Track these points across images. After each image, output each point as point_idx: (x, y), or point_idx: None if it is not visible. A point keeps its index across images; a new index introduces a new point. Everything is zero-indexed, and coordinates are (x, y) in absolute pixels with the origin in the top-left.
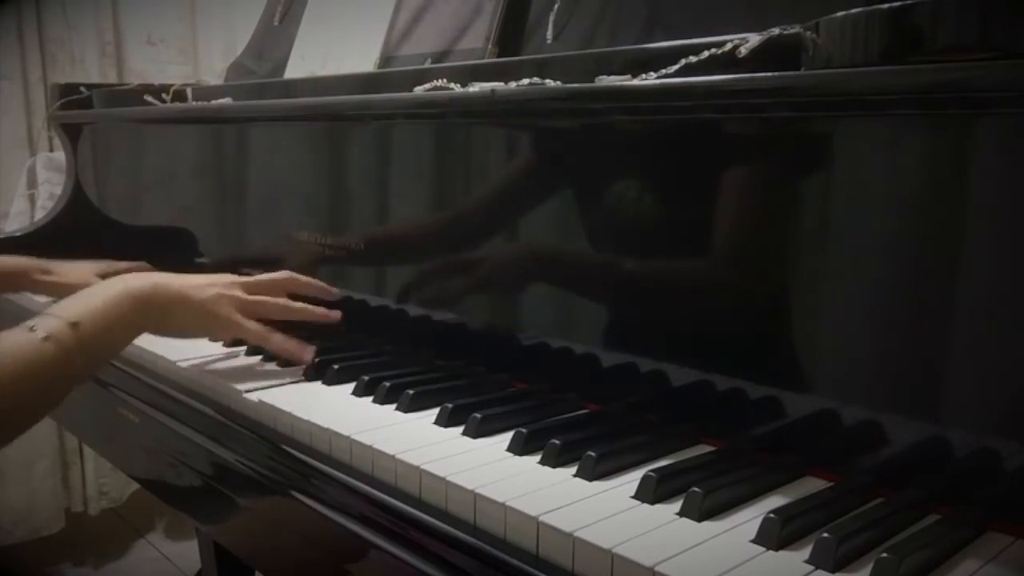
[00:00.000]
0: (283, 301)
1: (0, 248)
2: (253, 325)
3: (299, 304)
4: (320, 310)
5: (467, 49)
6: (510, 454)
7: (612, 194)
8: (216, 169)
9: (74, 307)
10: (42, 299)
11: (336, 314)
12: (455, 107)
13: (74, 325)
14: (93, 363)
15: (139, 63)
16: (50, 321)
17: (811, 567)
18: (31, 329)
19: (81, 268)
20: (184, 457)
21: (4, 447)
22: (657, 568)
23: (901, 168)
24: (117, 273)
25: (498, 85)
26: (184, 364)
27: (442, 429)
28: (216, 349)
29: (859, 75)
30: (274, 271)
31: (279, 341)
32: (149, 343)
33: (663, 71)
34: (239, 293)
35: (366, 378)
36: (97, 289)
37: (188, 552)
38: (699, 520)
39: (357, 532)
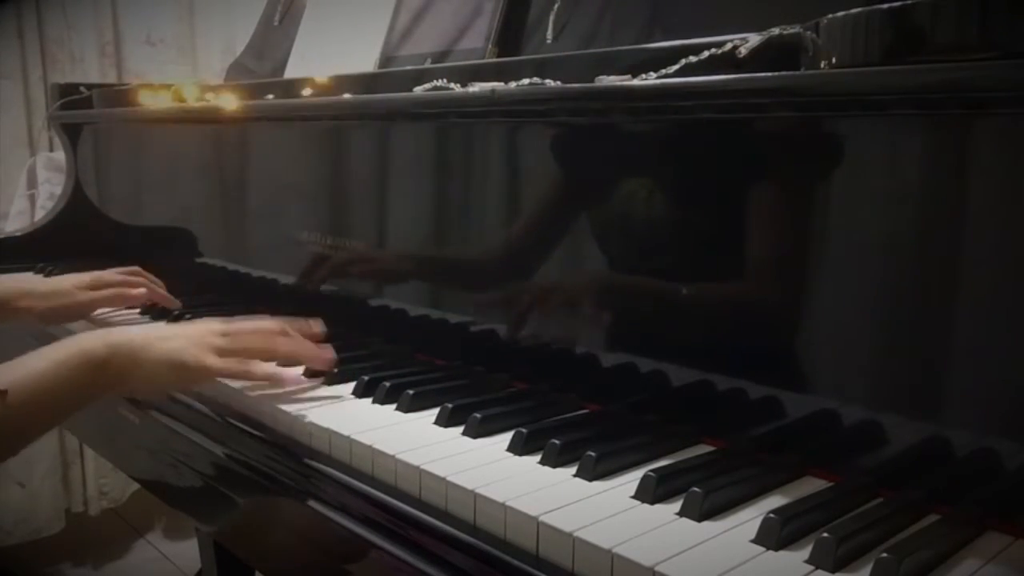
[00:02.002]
0: (268, 343)
1: (0, 248)
2: (227, 362)
3: (286, 346)
4: (312, 350)
5: (467, 49)
6: (510, 454)
7: (611, 194)
8: (216, 169)
9: (10, 372)
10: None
11: (330, 354)
12: (455, 107)
13: (2, 394)
14: (29, 430)
15: (139, 63)
16: None
17: (811, 567)
18: None
19: (65, 281)
20: (184, 457)
21: None
22: (657, 568)
23: (901, 168)
24: (105, 285)
25: (498, 85)
26: None
27: (442, 429)
28: None
29: (859, 75)
30: (277, 271)
31: (263, 371)
32: None
33: (663, 71)
34: (215, 340)
35: (366, 378)
36: (45, 351)
37: (188, 552)
38: (699, 520)
39: (357, 532)
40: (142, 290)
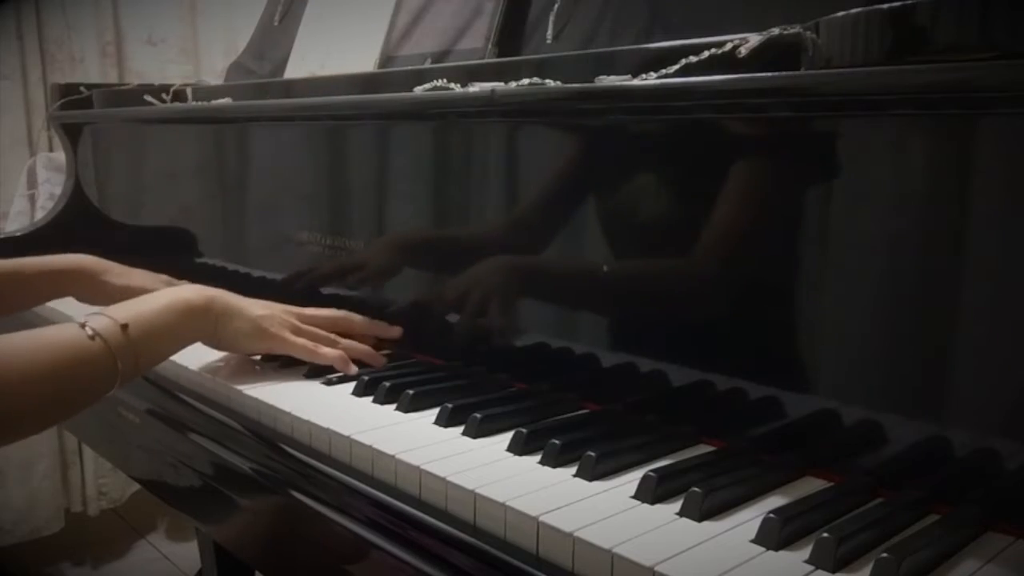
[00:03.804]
0: (332, 336)
1: (0, 248)
2: (301, 341)
3: (346, 341)
4: (367, 349)
5: (467, 49)
6: (510, 454)
7: (612, 194)
8: (216, 169)
9: (127, 310)
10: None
11: (382, 359)
12: (455, 107)
13: (124, 327)
14: (138, 367)
15: (139, 63)
16: (101, 320)
17: (811, 567)
18: (82, 325)
19: (137, 276)
20: (184, 457)
21: (32, 435)
22: (657, 568)
23: (901, 168)
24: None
25: (498, 85)
26: (185, 364)
27: (442, 429)
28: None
29: (859, 75)
30: (277, 271)
31: (327, 354)
32: None
33: (663, 71)
34: (291, 318)
35: (366, 378)
36: (152, 296)
37: (188, 552)
38: (699, 520)
39: (357, 532)
40: None
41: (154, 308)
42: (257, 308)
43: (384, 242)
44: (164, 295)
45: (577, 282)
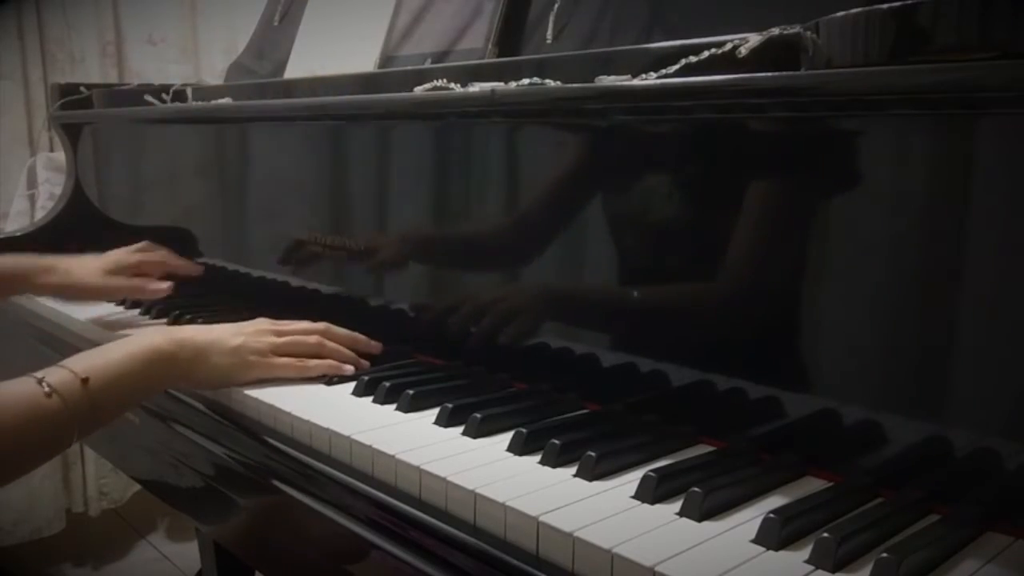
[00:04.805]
0: (315, 339)
1: (0, 248)
2: (285, 361)
3: (332, 345)
4: (351, 355)
5: (467, 49)
6: (510, 454)
7: (612, 194)
8: (216, 169)
9: (90, 360)
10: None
11: (366, 364)
12: (455, 107)
13: (84, 381)
14: (103, 417)
15: (140, 63)
16: (60, 374)
17: (811, 567)
18: (39, 381)
19: (88, 264)
20: (184, 458)
21: None
22: (657, 568)
23: (901, 168)
24: (126, 268)
25: (498, 85)
26: None
27: (442, 429)
28: None
29: (859, 75)
30: (277, 272)
31: (317, 367)
32: None
33: (663, 71)
34: (270, 338)
35: (366, 378)
36: (118, 344)
37: (188, 552)
38: (699, 520)
39: (357, 532)
40: (164, 287)
41: (118, 357)
42: (231, 338)
43: (387, 240)
44: (131, 342)
45: (576, 282)
